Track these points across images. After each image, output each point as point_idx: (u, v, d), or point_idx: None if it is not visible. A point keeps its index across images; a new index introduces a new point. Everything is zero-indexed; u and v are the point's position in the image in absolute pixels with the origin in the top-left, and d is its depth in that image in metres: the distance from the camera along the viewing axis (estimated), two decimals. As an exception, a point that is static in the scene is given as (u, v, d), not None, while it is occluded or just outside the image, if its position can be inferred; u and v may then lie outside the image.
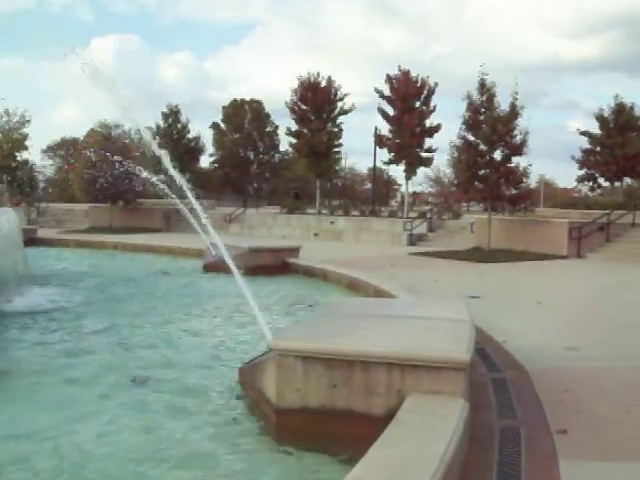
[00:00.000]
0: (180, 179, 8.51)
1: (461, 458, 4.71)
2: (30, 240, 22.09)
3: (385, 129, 43.28)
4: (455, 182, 30.28)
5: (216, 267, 16.62)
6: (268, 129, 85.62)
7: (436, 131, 41.62)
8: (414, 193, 68.11)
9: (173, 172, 8.54)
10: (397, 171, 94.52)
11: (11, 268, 13.02)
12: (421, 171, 54.72)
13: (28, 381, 7.82)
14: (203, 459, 5.59)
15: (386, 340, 5.98)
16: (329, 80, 44.76)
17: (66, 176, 77.64)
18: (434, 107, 41.88)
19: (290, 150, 57.59)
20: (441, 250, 26.36)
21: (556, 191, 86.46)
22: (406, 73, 41.70)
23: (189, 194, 8.58)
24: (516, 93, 25.45)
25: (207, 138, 78.37)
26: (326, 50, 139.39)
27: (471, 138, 26.17)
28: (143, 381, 7.72)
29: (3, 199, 17.80)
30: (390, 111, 42.12)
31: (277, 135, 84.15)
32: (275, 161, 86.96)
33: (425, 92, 41.78)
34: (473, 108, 25.90)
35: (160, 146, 10.33)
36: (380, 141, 43.75)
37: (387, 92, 42.10)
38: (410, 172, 42.55)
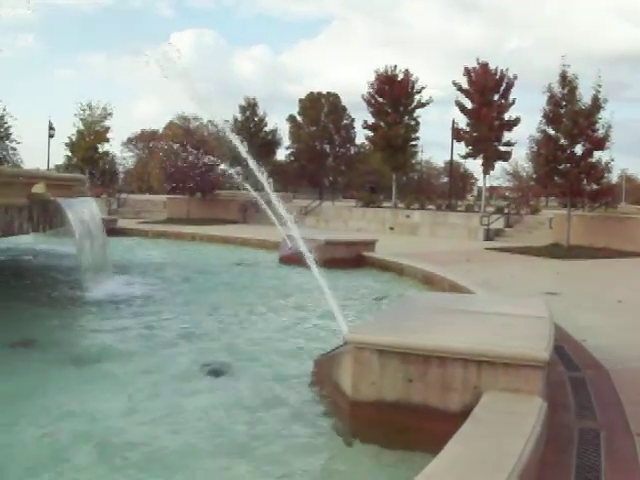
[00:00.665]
0: (258, 171, 8.57)
1: (538, 459, 4.62)
2: (110, 230, 22.54)
3: (463, 122, 42.87)
4: (534, 177, 29.64)
5: (292, 259, 16.70)
6: (344, 122, 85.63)
7: (515, 124, 41.00)
8: (491, 187, 67.10)
9: (252, 164, 8.60)
10: (474, 165, 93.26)
11: (93, 256, 13.35)
12: (499, 165, 53.72)
13: (104, 366, 8.04)
14: (277, 448, 5.64)
15: (463, 336, 5.91)
16: (406, 73, 44.56)
17: (145, 168, 79.16)
18: (513, 100, 41.28)
19: (366, 143, 57.60)
20: (518, 246, 25.96)
21: (639, 187, 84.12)
22: (485, 65, 41.15)
23: (267, 186, 8.63)
24: (599, 85, 24.83)
25: (283, 131, 79.05)
26: (402, 44, 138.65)
27: (551, 132, 25.66)
28: (219, 370, 7.83)
29: (85, 190, 18.22)
30: (468, 104, 41.66)
31: (353, 128, 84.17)
32: (351, 154, 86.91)
33: (504, 85, 41.15)
34: (554, 101, 25.38)
35: (238, 139, 10.39)
36: (457, 134, 43.31)
37: (465, 85, 41.64)
38: (488, 166, 42.02)
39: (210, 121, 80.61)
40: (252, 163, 8.55)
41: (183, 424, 6.10)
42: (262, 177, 8.54)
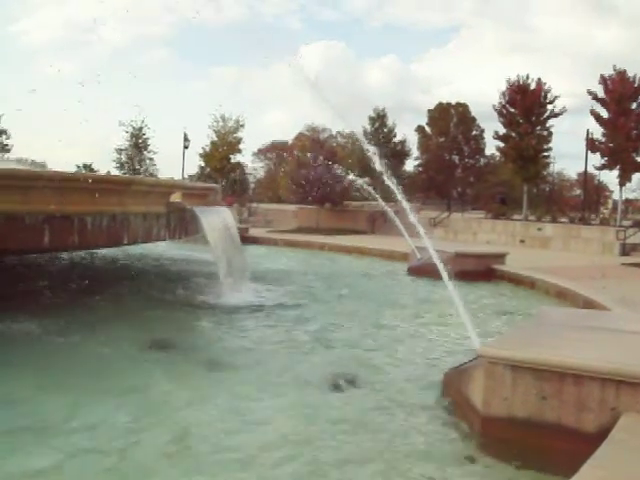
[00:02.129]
0: (392, 183, 8.61)
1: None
2: (242, 238, 23.06)
3: (598, 132, 41.56)
4: (675, 189, 28.44)
5: (421, 271, 16.67)
6: (474, 133, 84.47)
7: (655, 134, 39.39)
8: (627, 200, 64.53)
9: (385, 176, 8.66)
10: (609, 177, 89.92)
11: (229, 263, 13.69)
12: (636, 177, 51.58)
13: (238, 372, 8.25)
14: (407, 459, 5.64)
15: (600, 354, 5.74)
16: (539, 82, 43.60)
17: (275, 178, 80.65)
18: (653, 109, 39.67)
19: (496, 154, 56.65)
20: (658, 261, 24.83)
21: None
22: (622, 73, 39.76)
23: (401, 198, 8.65)
24: None
25: (412, 141, 78.81)
26: (533, 51, 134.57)
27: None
28: (349, 380, 7.86)
29: (219, 199, 18.76)
30: (604, 113, 40.36)
31: (483, 139, 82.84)
32: (480, 165, 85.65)
33: (643, 93, 39.65)
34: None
35: (373, 150, 10.50)
36: (592, 145, 42.03)
37: (601, 94, 40.36)
38: (624, 178, 40.53)
39: (339, 132, 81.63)
40: (386, 175, 8.61)
41: (310, 432, 6.17)
42: (396, 189, 8.56)
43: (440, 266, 7.90)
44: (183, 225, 14.01)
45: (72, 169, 42.31)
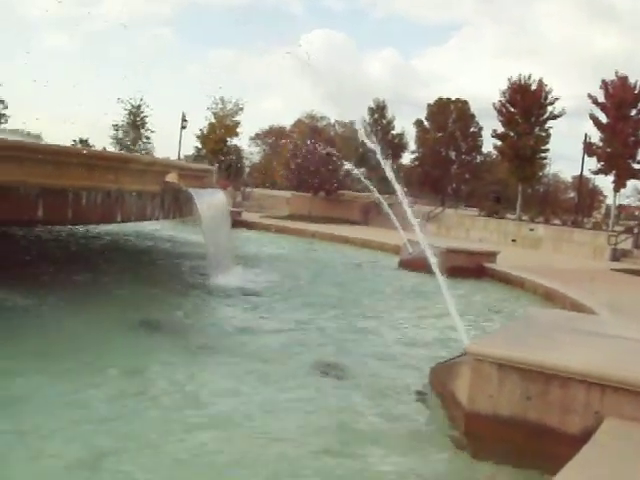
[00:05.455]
0: (390, 175, 8.59)
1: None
2: (235, 222, 23.00)
3: (595, 136, 41.63)
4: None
5: (412, 264, 16.68)
6: (472, 129, 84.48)
7: (652, 142, 39.49)
8: (620, 206, 64.57)
9: (387, 168, 8.64)
10: (604, 181, 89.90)
11: (221, 246, 13.68)
12: (631, 183, 51.69)
13: (221, 354, 8.25)
14: (386, 452, 5.65)
15: (587, 357, 5.76)
16: (540, 83, 43.63)
17: (271, 163, 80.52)
18: (652, 116, 39.72)
19: (493, 152, 56.72)
20: (647, 268, 24.92)
21: None
22: (623, 79, 39.79)
23: (399, 191, 8.63)
24: None
25: (410, 135, 78.82)
26: (533, 52, 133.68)
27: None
28: (332, 369, 7.87)
29: (214, 181, 18.71)
30: (602, 118, 40.41)
31: (480, 136, 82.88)
32: (476, 162, 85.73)
33: (643, 99, 39.69)
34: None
35: (374, 142, 10.47)
36: (589, 149, 42.11)
37: (601, 98, 40.39)
38: (619, 184, 40.66)
39: (337, 121, 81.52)
40: (387, 167, 8.60)
41: (287, 423, 6.16)
42: (395, 182, 8.55)
43: (432, 261, 7.90)
44: (177, 205, 13.97)
45: (68, 143, 42.06)
